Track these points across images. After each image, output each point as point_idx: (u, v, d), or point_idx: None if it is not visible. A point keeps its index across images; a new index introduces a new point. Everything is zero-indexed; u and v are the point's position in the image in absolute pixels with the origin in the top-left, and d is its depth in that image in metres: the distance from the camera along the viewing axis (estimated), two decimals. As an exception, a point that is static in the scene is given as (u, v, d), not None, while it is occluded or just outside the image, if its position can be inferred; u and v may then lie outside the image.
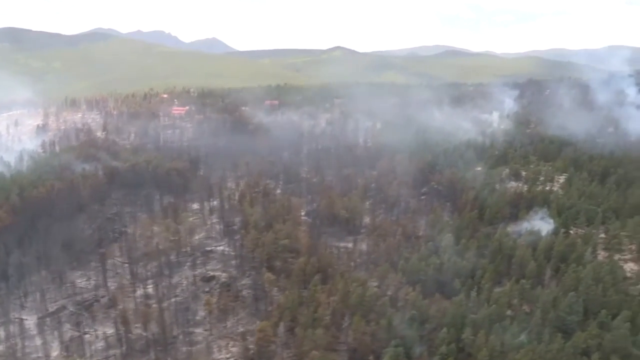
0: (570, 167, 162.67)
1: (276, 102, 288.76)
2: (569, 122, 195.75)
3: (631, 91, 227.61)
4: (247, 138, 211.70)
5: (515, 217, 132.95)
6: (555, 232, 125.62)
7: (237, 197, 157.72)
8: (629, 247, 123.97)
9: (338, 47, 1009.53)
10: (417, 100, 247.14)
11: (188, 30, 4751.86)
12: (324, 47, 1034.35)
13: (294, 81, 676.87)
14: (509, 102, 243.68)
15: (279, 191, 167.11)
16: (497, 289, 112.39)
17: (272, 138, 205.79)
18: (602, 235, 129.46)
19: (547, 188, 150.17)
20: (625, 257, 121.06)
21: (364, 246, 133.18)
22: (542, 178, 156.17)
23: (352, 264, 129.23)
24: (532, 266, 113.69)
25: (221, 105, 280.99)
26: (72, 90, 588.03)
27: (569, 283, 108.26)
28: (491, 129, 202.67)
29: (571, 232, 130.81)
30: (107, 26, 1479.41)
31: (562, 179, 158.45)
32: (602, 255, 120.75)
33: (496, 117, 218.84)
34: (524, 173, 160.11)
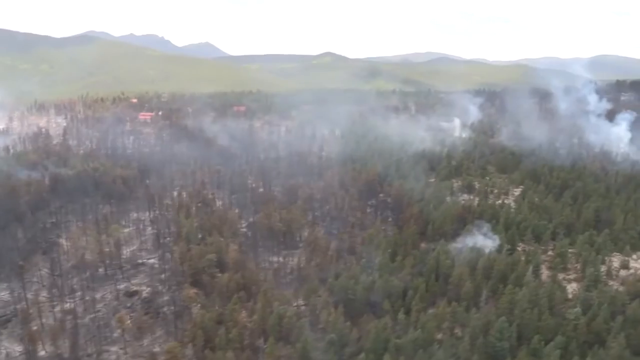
0: (527, 179, 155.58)
1: (243, 108, 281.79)
2: (535, 131, 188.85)
3: (593, 99, 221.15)
4: (204, 145, 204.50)
5: (459, 233, 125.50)
6: (499, 250, 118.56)
7: (176, 208, 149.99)
8: (575, 265, 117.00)
9: (328, 53, 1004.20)
10: (383, 107, 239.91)
11: (181, 34, 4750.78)
12: (315, 53, 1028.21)
13: (280, 87, 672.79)
14: (474, 111, 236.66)
15: (221, 202, 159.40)
16: (431, 311, 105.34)
17: (228, 145, 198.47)
18: (550, 253, 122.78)
19: (500, 202, 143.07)
20: (570, 276, 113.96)
21: (298, 261, 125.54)
22: (495, 191, 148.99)
23: (283, 280, 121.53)
24: (468, 287, 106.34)
25: (186, 111, 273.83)
26: (57, 92, 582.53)
27: (504, 306, 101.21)
28: (451, 138, 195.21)
29: (519, 248, 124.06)
30: (100, 29, 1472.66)
31: (517, 191, 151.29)
32: (545, 274, 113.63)
33: (458, 126, 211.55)
34: (477, 185, 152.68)
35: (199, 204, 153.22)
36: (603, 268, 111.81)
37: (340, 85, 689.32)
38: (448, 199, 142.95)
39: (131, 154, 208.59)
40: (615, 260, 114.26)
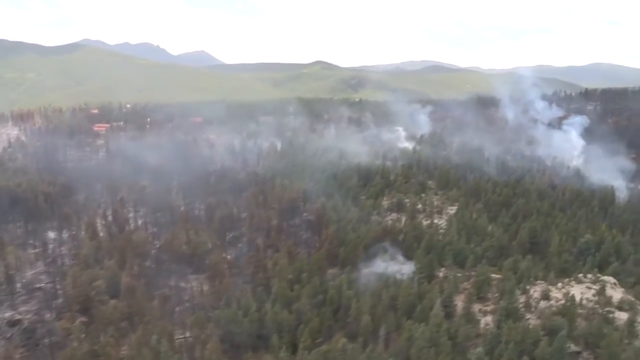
0: (466, 196, 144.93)
1: (199, 119, 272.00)
2: (488, 143, 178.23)
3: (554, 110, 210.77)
4: (146, 158, 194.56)
5: (373, 258, 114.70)
6: (412, 277, 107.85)
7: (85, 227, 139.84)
8: (496, 295, 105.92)
9: (319, 62, 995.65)
10: (336, 118, 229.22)
11: (177, 43, 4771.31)
12: (306, 62, 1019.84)
13: (265, 95, 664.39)
14: (425, 122, 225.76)
15: (140, 221, 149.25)
16: (321, 348, 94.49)
17: (167, 159, 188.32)
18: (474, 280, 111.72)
19: (429, 222, 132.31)
20: (487, 307, 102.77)
21: (197, 288, 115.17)
22: (428, 209, 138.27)
23: (178, 308, 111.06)
24: (367, 320, 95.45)
25: (144, 123, 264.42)
26: (42, 101, 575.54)
27: (402, 343, 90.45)
28: (394, 151, 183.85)
29: (440, 274, 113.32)
30: (95, 37, 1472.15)
31: (453, 210, 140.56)
32: (460, 305, 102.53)
33: (402, 138, 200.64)
34: (408, 203, 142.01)
35: (112, 224, 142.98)
36: (523, 298, 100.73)
37: (325, 94, 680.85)
38: (374, 218, 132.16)
39: (70, 168, 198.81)
40: (538, 290, 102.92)
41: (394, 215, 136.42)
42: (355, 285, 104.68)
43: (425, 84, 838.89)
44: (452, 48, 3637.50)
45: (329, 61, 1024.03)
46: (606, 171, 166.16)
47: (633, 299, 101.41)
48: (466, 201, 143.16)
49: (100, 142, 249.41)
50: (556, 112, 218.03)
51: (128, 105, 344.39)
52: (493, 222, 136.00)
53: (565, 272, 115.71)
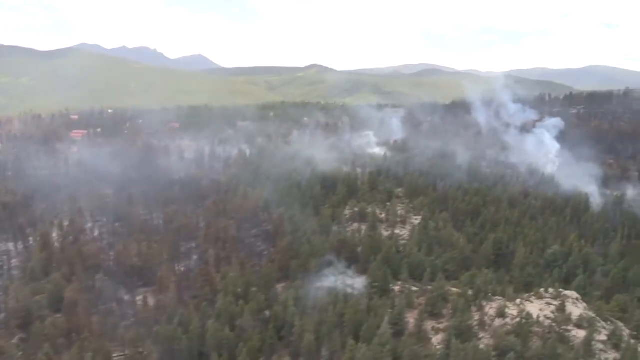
0: (433, 204, 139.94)
1: (176, 124, 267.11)
2: (465, 147, 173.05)
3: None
4: (115, 166, 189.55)
5: (325, 271, 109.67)
6: (364, 292, 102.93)
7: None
8: (452, 311, 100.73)
9: (314, 65, 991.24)
10: (314, 123, 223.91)
11: (174, 46, 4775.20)
12: (303, 65, 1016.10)
13: (261, 100, 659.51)
14: (399, 127, 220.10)
15: (98, 232, 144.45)
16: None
17: (136, 167, 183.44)
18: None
19: (390, 232, 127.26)
20: (441, 325, 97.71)
21: (148, 301, 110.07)
22: (391, 219, 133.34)
23: (123, 324, 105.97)
24: (309, 339, 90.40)
25: (119, 129, 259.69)
26: (35, 105, 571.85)
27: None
28: (364, 158, 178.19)
29: (396, 288, 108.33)
30: (93, 42, 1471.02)
31: (418, 219, 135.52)
32: (412, 323, 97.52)
33: (373, 144, 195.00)
34: (376, 212, 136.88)
35: (67, 235, 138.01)
36: (478, 316, 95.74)
37: (319, 98, 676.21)
38: (334, 229, 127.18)
39: (37, 177, 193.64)
40: (494, 307, 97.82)
41: (355, 226, 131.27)
42: (303, 301, 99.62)
43: (420, 87, 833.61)
44: (450, 51, 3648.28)
45: (325, 65, 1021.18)
46: (582, 177, 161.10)
47: (594, 315, 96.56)
48: (432, 210, 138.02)
49: (75, 149, 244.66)
50: (530, 115, 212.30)
51: (110, 111, 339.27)
52: (460, 232, 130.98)
53: (530, 286, 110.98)
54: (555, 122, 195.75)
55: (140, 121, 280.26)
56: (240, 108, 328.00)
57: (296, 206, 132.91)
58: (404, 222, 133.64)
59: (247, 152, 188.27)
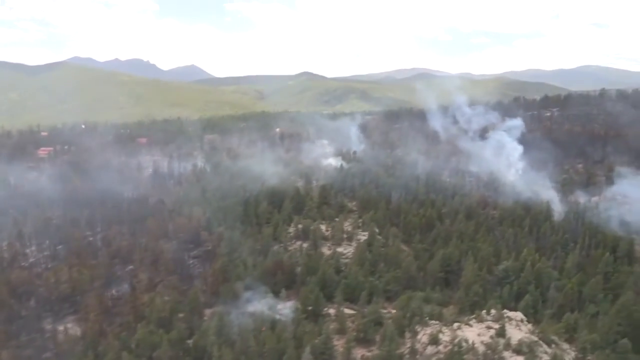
0: (383, 219, 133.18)
1: (144, 140, 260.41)
2: (424, 158, 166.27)
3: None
4: (69, 185, 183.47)
5: (256, 295, 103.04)
6: (294, 317, 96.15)
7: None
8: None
9: (305, 73, 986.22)
10: (278, 135, 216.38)
11: (167, 58, 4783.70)
12: (293, 73, 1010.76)
13: (249, 109, 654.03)
14: (358, 137, 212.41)
15: (39, 256, 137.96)
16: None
17: (91, 186, 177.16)
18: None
19: (332, 251, 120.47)
20: (371, 352, 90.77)
21: (69, 331, 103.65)
22: (337, 236, 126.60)
23: (45, 355, 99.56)
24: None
25: (87, 146, 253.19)
26: (23, 121, 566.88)
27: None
28: (318, 170, 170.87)
29: (331, 311, 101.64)
30: (85, 55, 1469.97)
31: (366, 235, 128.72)
32: (340, 350, 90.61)
33: (330, 155, 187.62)
34: (321, 229, 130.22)
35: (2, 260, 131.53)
36: (410, 343, 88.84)
37: (308, 106, 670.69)
38: (276, 248, 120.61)
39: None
40: (428, 332, 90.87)
41: (298, 244, 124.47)
42: (227, 329, 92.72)
43: (411, 92, 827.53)
44: (443, 55, 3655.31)
45: (315, 72, 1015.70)
46: (545, 184, 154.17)
47: (536, 338, 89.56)
48: (382, 225, 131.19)
49: (34, 166, 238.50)
50: (491, 118, 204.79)
51: (83, 126, 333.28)
52: (410, 248, 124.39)
53: (476, 307, 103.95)
54: (516, 124, 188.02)
55: (110, 137, 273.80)
56: (213, 120, 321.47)
57: (238, 224, 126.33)
58: (350, 239, 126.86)
59: (204, 167, 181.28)
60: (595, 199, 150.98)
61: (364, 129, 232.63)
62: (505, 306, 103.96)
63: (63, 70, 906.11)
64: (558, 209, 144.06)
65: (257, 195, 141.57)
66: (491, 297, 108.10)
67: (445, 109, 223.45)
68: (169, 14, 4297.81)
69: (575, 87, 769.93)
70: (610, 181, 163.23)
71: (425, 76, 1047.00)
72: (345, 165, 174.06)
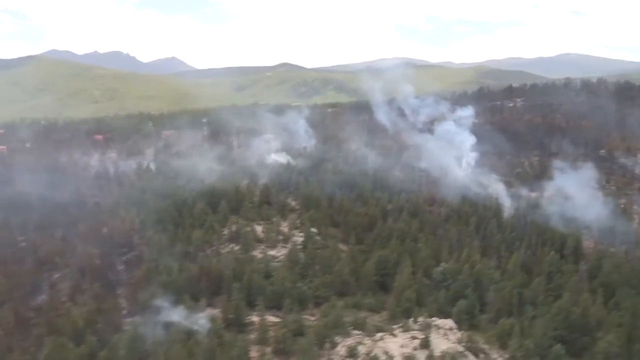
0: (323, 219, 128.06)
1: (101, 137, 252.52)
2: (376, 152, 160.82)
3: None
4: (10, 186, 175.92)
5: (175, 304, 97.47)
6: (213, 328, 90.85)
7: None
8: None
9: (284, 64, 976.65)
10: (235, 130, 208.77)
11: (147, 50, 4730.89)
12: (272, 64, 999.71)
13: (226, 101, 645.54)
14: (307, 131, 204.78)
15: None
16: None
17: (35, 187, 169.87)
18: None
19: (262, 255, 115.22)
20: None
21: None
22: (273, 238, 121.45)
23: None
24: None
25: (43, 143, 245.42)
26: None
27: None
28: (262, 167, 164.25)
29: (254, 320, 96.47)
30: (64, 48, 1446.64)
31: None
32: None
33: (277, 150, 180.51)
34: (256, 230, 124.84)
35: None
36: (327, 355, 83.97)
37: (286, 98, 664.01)
38: (209, 251, 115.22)
39: None
40: (348, 344, 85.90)
41: (230, 248, 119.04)
42: (140, 342, 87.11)
43: (391, 81, 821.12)
44: (424, 44, 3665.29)
45: (295, 63, 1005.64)
46: (496, 178, 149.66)
47: (462, 348, 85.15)
48: (323, 225, 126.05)
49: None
50: (442, 108, 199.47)
51: (43, 122, 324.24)
52: (349, 250, 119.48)
53: (409, 313, 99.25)
54: (466, 113, 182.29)
55: (67, 134, 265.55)
56: (175, 114, 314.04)
57: (170, 227, 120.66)
58: (286, 241, 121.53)
59: (148, 165, 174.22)
60: (540, 194, 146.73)
61: (320, 122, 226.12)
62: (441, 312, 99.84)
63: (37, 64, 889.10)
64: (508, 204, 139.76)
65: (196, 196, 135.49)
66: (426, 303, 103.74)
67: (391, 101, 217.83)
68: (149, 5, 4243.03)
69: (555, 74, 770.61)
70: (550, 176, 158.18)
71: (407, 66, 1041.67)
72: (292, 161, 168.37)
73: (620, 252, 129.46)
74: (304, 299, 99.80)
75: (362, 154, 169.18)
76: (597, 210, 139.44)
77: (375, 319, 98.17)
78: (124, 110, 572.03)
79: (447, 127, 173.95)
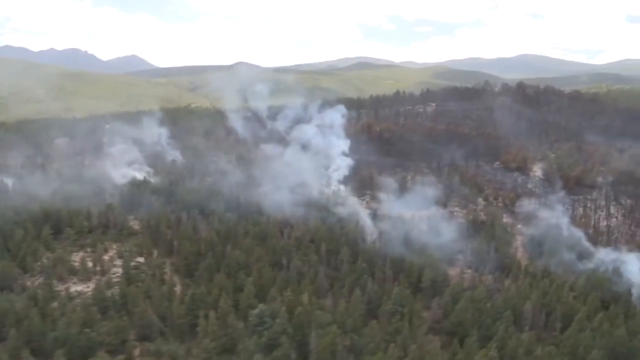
0: (153, 246, 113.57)
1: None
2: (242, 167, 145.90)
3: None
4: None
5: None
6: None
7: None
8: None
9: (240, 63, 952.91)
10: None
11: (107, 48, 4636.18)
12: (230, 63, 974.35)
13: (177, 102, 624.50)
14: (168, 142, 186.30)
15: None
16: None
17: None
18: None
19: (66, 290, 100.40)
20: None
21: None
22: (98, 269, 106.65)
23: None
24: None
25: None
26: None
27: None
28: (115, 186, 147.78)
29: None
30: (18, 44, 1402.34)
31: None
32: None
33: (122, 165, 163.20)
34: (73, 260, 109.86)
35: None
36: None
37: (232, 100, 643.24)
38: (15, 285, 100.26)
39: None
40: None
41: (40, 282, 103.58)
42: None
43: (348, 82, 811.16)
44: (386, 44, 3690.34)
45: (254, 62, 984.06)
46: (366, 195, 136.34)
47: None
48: (152, 253, 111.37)
49: None
50: (311, 112, 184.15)
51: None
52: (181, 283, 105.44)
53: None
54: (333, 115, 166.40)
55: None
56: (81, 119, 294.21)
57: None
58: (104, 273, 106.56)
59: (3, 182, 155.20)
60: (414, 214, 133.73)
61: (189, 131, 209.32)
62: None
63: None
64: (371, 228, 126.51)
65: (20, 220, 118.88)
66: (237, 351, 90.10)
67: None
68: (106, 2, 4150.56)
69: (514, 75, 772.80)
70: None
71: (369, 65, 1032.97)
72: (149, 177, 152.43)
73: (488, 282, 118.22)
74: (91, 346, 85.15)
75: (223, 167, 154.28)
76: (470, 232, 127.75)
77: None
78: (69, 111, 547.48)
79: (305, 134, 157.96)
